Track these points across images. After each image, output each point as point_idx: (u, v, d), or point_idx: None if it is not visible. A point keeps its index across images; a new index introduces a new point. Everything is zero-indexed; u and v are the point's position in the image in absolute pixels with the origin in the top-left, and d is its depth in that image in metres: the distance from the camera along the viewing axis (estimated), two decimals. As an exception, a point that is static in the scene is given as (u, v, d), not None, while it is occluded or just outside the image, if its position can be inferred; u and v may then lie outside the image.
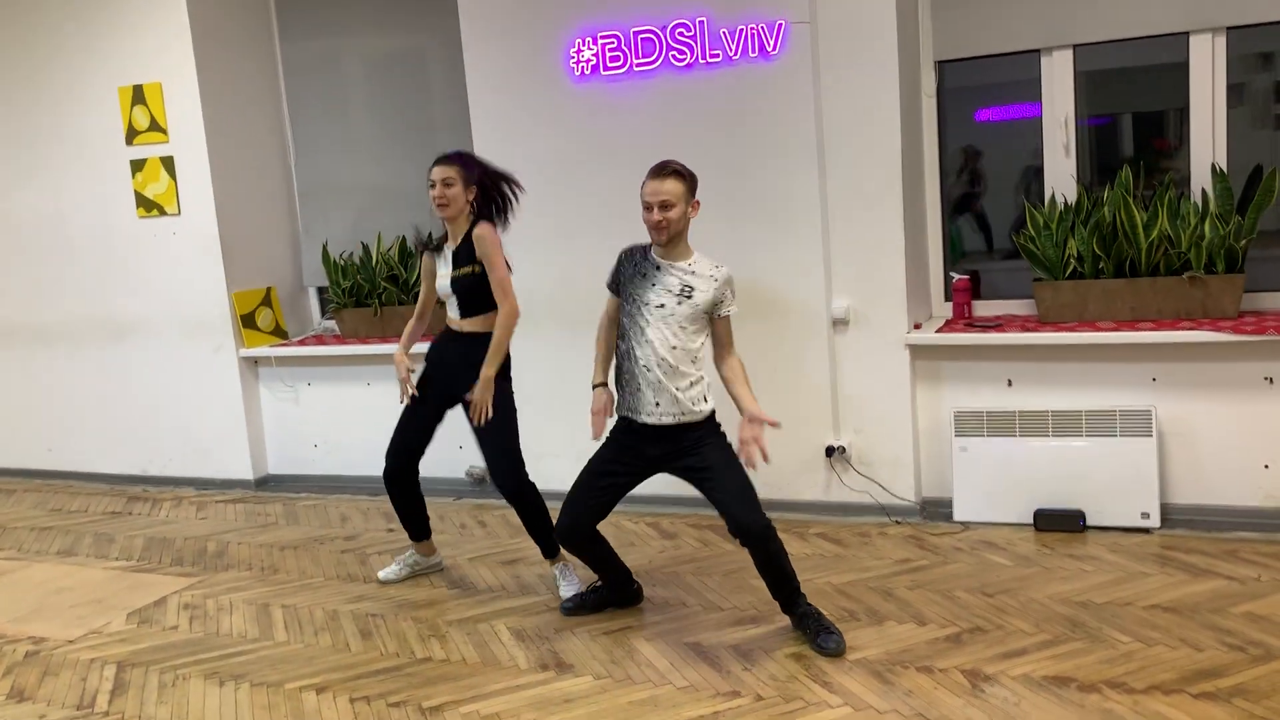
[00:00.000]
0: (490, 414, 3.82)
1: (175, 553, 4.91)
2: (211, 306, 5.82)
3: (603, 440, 3.64)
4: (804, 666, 3.24)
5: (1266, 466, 4.04)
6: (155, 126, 5.75)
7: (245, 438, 5.89)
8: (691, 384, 3.46)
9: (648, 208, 3.44)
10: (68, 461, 6.41)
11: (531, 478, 3.91)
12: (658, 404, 3.45)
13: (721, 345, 3.55)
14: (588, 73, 4.75)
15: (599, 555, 3.71)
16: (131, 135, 5.82)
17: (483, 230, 3.83)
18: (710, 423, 3.52)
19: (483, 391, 3.82)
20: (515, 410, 3.94)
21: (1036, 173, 4.58)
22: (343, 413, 5.76)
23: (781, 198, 4.49)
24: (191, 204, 5.76)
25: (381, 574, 4.28)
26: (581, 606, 3.82)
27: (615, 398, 3.61)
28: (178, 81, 5.66)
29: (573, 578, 3.96)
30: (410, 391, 4.01)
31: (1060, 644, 3.24)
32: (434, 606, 3.98)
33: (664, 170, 3.41)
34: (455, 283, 3.87)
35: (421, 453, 4.11)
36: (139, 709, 3.35)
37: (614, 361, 3.61)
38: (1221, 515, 4.10)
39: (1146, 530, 4.11)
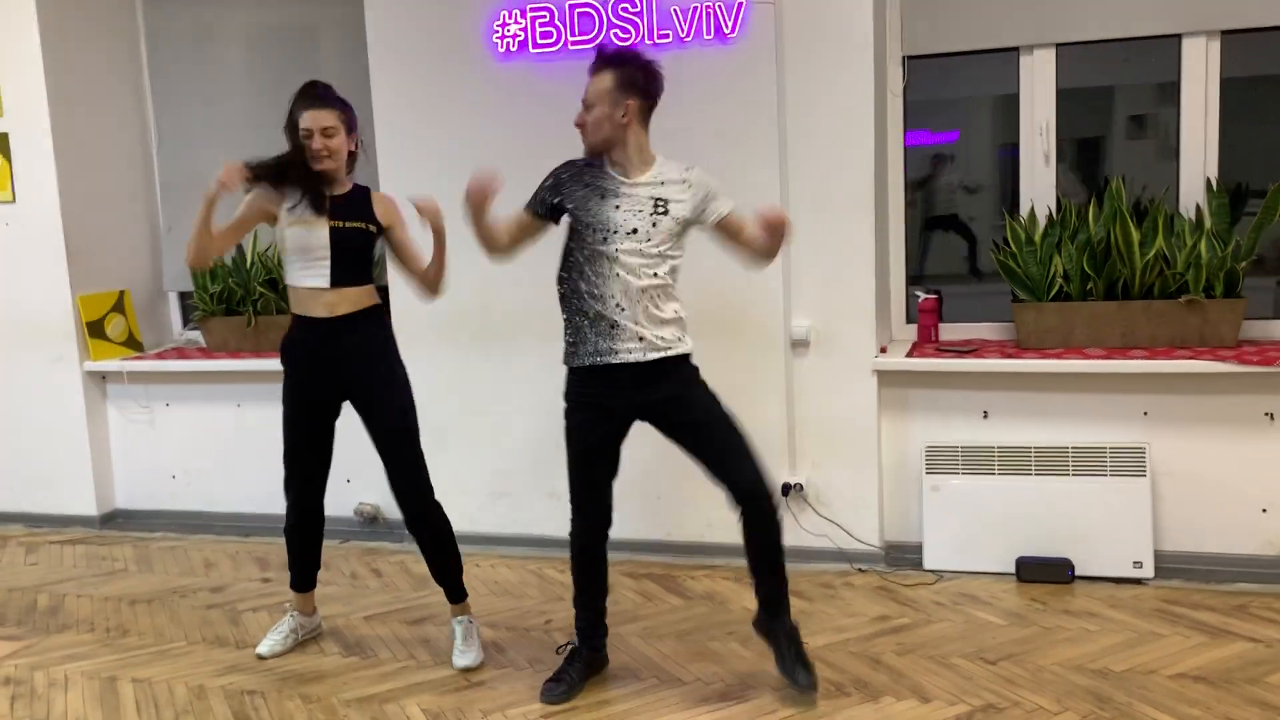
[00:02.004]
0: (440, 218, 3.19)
1: (-4, 609, 4.03)
2: (51, 311, 4.92)
3: (567, 426, 3.04)
4: (797, 759, 2.67)
5: (1265, 510, 3.69)
6: (-14, 97, 4.86)
7: (89, 466, 4.99)
8: (670, 321, 2.93)
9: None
10: None
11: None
12: (639, 340, 2.88)
13: (741, 227, 2.99)
14: (514, 49, 4.12)
15: (600, 576, 3.12)
16: (-44, 107, 4.91)
17: (385, 194, 3.38)
18: (691, 365, 2.97)
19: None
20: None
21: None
22: (207, 438, 4.93)
23: (740, 203, 3.94)
24: (29, 191, 4.87)
25: (261, 649, 3.49)
26: (572, 690, 3.07)
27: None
28: (17, 46, 4.77)
29: (475, 639, 3.33)
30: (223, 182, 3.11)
31: (1092, 725, 2.76)
32: (326, 680, 3.26)
33: (603, 67, 2.90)
34: (342, 235, 3.18)
35: (323, 482, 3.40)
36: (-65, 833, 2.55)
37: (564, 302, 3.00)
38: (1217, 564, 3.72)
39: (1140, 581, 3.70)
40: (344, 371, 3.25)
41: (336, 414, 3.37)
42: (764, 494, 2.88)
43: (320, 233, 3.18)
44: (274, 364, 4.55)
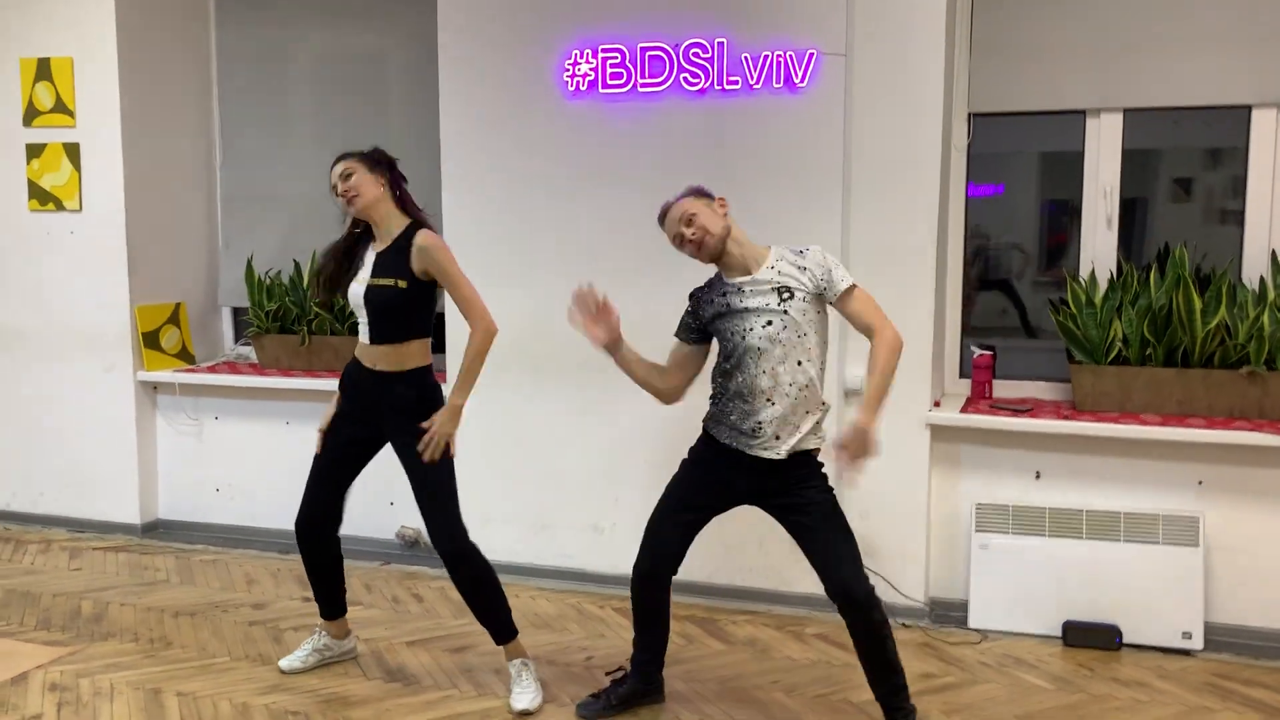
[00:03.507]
0: (439, 454, 3.16)
1: (41, 612, 4.06)
2: (109, 320, 5.00)
3: (681, 469, 3.09)
4: (845, 816, 2.65)
5: (1318, 588, 3.64)
6: (61, 108, 4.95)
7: (135, 474, 5.05)
8: (817, 418, 2.95)
9: (678, 240, 2.96)
10: (-87, 488, 5.44)
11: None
12: (778, 437, 2.89)
13: (863, 325, 2.92)
14: (583, 89, 4.17)
15: (661, 614, 3.14)
16: (31, 115, 5.00)
17: (428, 239, 3.17)
18: (817, 460, 2.97)
19: (446, 424, 3.17)
20: (453, 467, 3.26)
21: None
22: (253, 454, 4.98)
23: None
24: (96, 200, 4.96)
25: (283, 663, 3.51)
26: (606, 709, 3.15)
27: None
28: (93, 58, 4.89)
29: (532, 680, 3.28)
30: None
31: (1147, 800, 2.72)
32: (370, 705, 3.26)
33: (674, 200, 3.03)
34: (371, 293, 3.19)
35: (338, 508, 3.42)
36: (-16, 837, 2.56)
37: (718, 391, 3.05)
38: (1267, 639, 3.68)
39: (1188, 652, 3.65)
40: (379, 421, 3.27)
41: (370, 453, 3.38)
42: (869, 604, 2.86)
43: (357, 291, 3.23)
44: (325, 383, 4.66)
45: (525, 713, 3.18)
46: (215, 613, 4.06)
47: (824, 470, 3.00)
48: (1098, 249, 4.06)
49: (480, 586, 3.26)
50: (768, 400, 2.88)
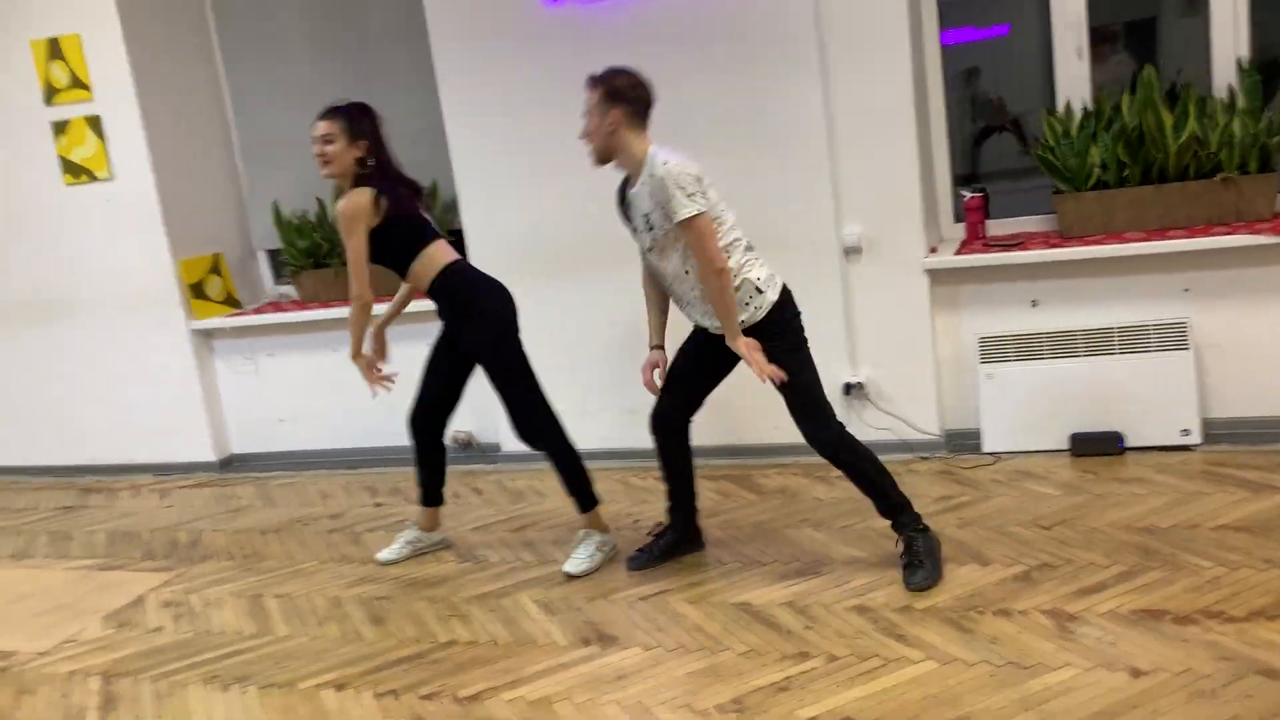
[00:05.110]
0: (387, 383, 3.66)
1: (144, 546, 4.50)
2: (155, 277, 5.34)
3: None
4: (870, 620, 2.99)
5: (1307, 373, 3.88)
6: (77, 83, 5.22)
7: (204, 416, 5.45)
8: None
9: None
10: (8, 456, 5.89)
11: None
12: (703, 314, 3.23)
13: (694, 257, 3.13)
14: (561, -5, 4.35)
15: (682, 459, 3.49)
16: (50, 94, 5.28)
17: (345, 201, 3.45)
18: (763, 326, 3.18)
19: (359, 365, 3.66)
20: (521, 352, 3.61)
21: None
22: (309, 383, 5.35)
23: (783, 121, 4.17)
24: (125, 166, 5.26)
25: (380, 555, 3.93)
26: (651, 559, 3.54)
27: (668, 361, 3.43)
28: (98, 31, 5.13)
29: (586, 550, 3.62)
30: (380, 382, 3.69)
31: (1139, 575, 3.03)
32: (447, 583, 3.66)
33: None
34: (371, 256, 3.53)
35: (442, 406, 3.81)
36: (135, 725, 2.99)
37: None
38: (1265, 427, 3.93)
39: (1188, 448, 3.93)
40: (448, 326, 3.67)
41: (455, 358, 3.72)
42: (830, 448, 3.22)
43: None
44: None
45: (569, 575, 3.56)
46: (297, 527, 4.48)
47: (779, 333, 3.19)
48: (1071, 81, 4.22)
49: (559, 461, 3.64)
50: (678, 296, 3.26)
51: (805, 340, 3.23)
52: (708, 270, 3.07)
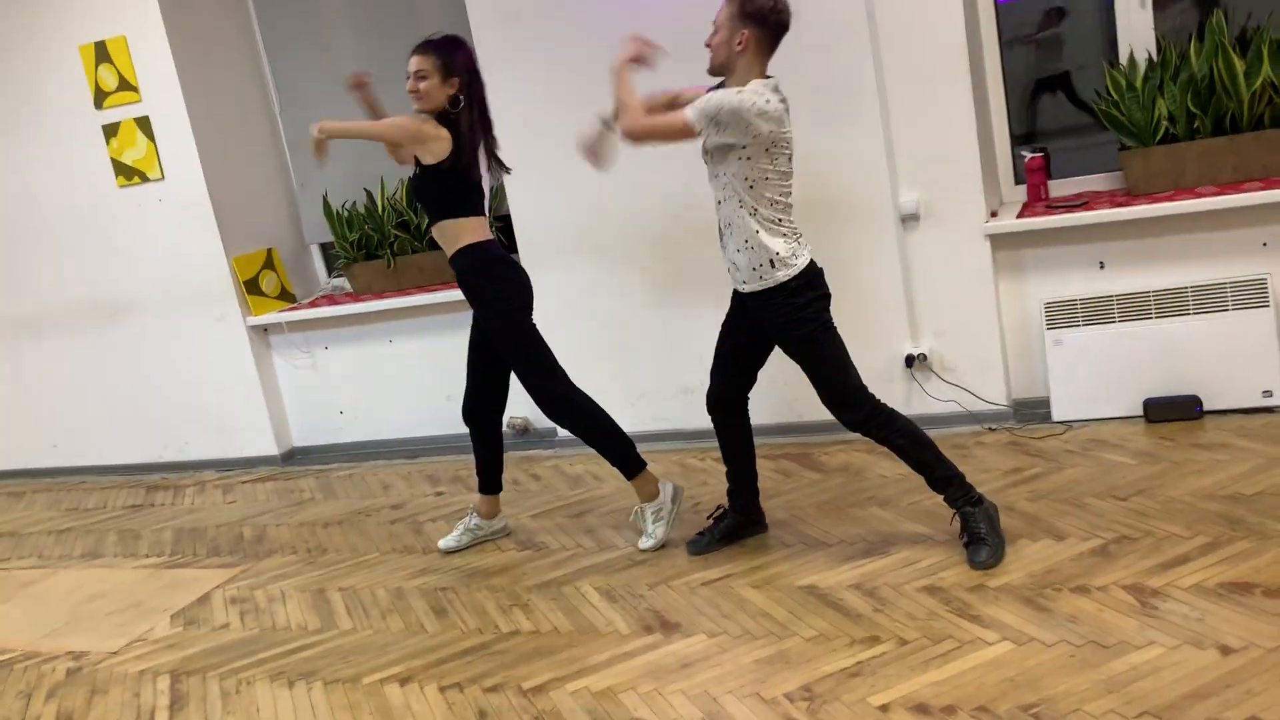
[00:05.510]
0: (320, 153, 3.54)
1: (210, 542, 4.54)
2: (210, 275, 5.38)
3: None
4: (942, 601, 2.90)
5: (1397, 327, 3.69)
6: (125, 85, 5.26)
7: (264, 411, 5.49)
8: (738, 250, 3.06)
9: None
10: (76, 456, 6.00)
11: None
12: (732, 265, 3.13)
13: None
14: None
15: (740, 438, 3.41)
16: (100, 98, 5.32)
17: (419, 125, 3.40)
18: (768, 301, 3.07)
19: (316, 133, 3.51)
20: (529, 330, 3.55)
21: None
22: (366, 375, 5.36)
23: (835, 86, 4.04)
24: (176, 166, 5.29)
25: (441, 543, 3.92)
26: (711, 543, 3.47)
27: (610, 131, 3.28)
28: (143, 33, 5.15)
29: (646, 522, 3.59)
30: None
31: (1224, 545, 2.89)
32: (508, 572, 3.63)
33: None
34: (409, 182, 3.57)
35: (489, 393, 3.75)
36: (204, 723, 3.01)
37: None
38: (1350, 385, 3.76)
39: (1271, 409, 3.76)
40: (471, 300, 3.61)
41: (488, 343, 3.64)
42: (862, 429, 3.13)
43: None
44: (416, 300, 5.00)
45: (642, 551, 3.56)
46: (359, 518, 4.48)
47: (791, 309, 3.06)
48: (1134, 30, 4.04)
49: (587, 430, 3.59)
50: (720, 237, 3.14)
51: (826, 323, 3.09)
52: (624, 122, 3.01)
